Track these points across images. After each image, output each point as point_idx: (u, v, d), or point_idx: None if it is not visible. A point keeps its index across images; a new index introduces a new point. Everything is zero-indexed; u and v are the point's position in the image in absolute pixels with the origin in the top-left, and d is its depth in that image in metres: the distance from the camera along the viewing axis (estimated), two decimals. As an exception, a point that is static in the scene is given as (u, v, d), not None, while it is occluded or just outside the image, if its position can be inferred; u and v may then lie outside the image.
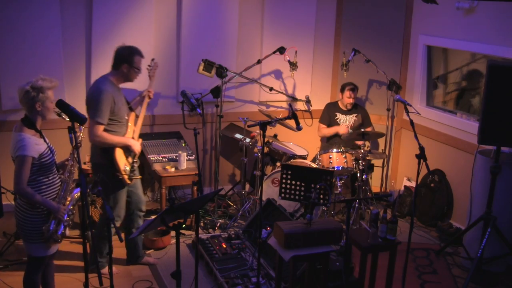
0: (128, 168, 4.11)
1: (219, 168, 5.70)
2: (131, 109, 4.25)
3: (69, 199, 3.38)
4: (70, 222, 3.40)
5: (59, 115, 3.45)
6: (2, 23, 4.81)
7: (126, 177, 4.07)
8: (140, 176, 4.31)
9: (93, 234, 4.09)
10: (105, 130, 3.94)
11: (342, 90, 5.79)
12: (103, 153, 4.01)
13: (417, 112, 4.85)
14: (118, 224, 4.24)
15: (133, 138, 4.17)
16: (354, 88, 5.71)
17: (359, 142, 5.59)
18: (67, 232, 3.38)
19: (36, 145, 3.19)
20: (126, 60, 3.96)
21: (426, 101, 5.84)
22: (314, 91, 6.35)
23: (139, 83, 4.37)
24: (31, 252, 3.32)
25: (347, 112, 5.84)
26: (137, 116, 4.29)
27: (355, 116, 5.82)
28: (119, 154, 4.02)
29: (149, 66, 4.46)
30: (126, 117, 4.13)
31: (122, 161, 4.05)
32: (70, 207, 3.37)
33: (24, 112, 3.27)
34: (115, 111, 3.94)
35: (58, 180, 3.37)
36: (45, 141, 3.29)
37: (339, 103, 5.88)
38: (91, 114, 3.86)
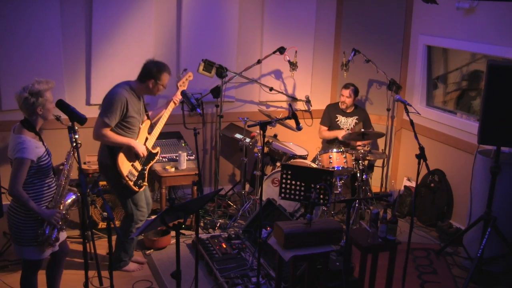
0: (135, 173, 4.08)
1: (219, 168, 5.69)
2: (148, 118, 4.22)
3: (63, 203, 3.36)
4: (64, 227, 3.39)
5: (57, 119, 3.36)
6: (2, 23, 4.80)
7: (131, 183, 4.04)
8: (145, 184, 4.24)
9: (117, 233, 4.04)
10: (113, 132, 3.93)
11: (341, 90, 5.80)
12: (110, 154, 3.99)
13: (417, 112, 4.85)
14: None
15: (144, 144, 4.14)
16: (350, 87, 5.68)
17: (358, 143, 5.58)
18: (60, 236, 3.36)
19: (36, 148, 3.18)
20: (154, 76, 3.97)
21: (426, 101, 5.84)
22: (314, 91, 6.34)
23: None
24: (23, 255, 3.30)
25: (347, 114, 5.83)
26: (152, 126, 4.25)
27: (356, 119, 5.81)
28: (121, 159, 3.98)
29: (178, 76, 4.43)
30: (140, 126, 4.10)
31: (126, 167, 4.01)
32: (63, 212, 3.34)
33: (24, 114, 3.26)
34: (126, 117, 3.92)
35: (54, 184, 3.34)
36: (43, 144, 3.27)
37: (339, 104, 5.87)
38: (101, 112, 3.89)
